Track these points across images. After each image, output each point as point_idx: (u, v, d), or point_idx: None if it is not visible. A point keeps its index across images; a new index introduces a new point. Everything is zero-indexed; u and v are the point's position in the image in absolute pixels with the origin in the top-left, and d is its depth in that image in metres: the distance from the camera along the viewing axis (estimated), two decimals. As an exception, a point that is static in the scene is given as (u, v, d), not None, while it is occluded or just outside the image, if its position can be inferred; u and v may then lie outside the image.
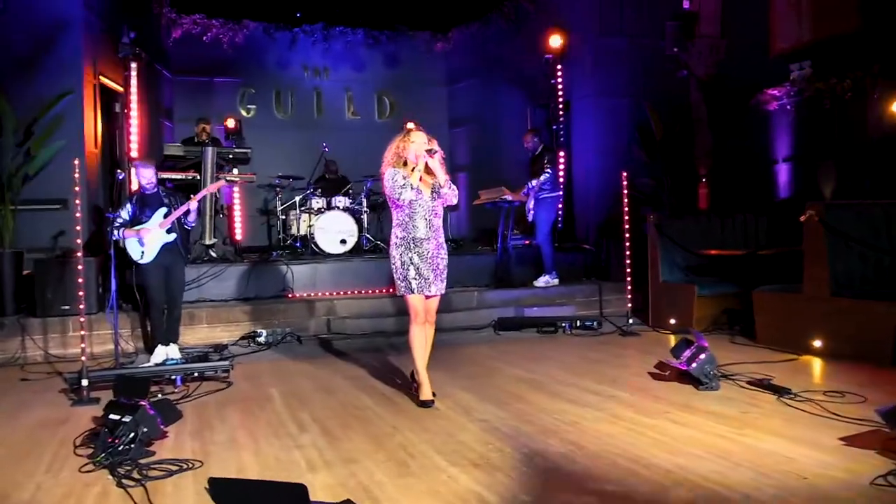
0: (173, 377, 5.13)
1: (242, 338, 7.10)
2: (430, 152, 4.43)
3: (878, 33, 7.62)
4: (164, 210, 6.06)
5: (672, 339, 6.78)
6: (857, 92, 7.87)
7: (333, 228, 9.50)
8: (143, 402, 3.59)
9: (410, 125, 5.05)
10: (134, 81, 7.39)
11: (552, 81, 9.73)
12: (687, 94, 9.98)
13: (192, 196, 6.03)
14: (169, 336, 6.26)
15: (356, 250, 9.58)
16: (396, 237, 4.51)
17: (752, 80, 9.22)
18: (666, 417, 4.01)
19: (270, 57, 11.29)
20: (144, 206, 6.02)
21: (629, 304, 7.18)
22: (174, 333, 6.32)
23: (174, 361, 5.58)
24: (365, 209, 10.10)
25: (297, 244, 9.77)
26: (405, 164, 4.48)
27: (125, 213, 5.95)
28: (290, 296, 7.97)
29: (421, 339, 4.52)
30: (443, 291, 4.58)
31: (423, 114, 11.65)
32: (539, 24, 10.29)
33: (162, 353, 6.18)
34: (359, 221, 9.73)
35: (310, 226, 9.78)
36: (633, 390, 4.68)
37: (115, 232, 5.92)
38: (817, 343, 5.63)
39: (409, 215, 4.47)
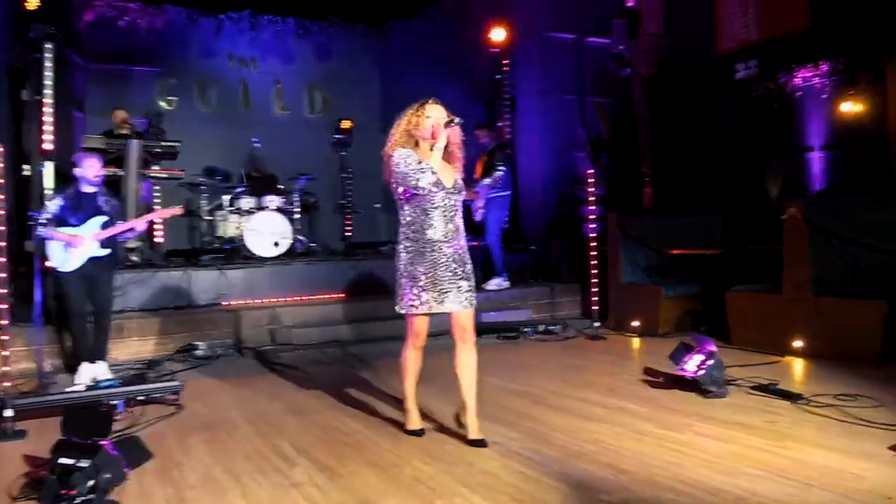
0: (114, 402, 4.41)
1: (178, 351, 6.36)
2: (449, 123, 3.57)
3: (827, 33, 7.69)
4: (101, 219, 5.29)
5: (637, 342, 6.58)
6: (807, 91, 7.94)
7: (266, 230, 8.81)
8: (103, 442, 2.94)
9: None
10: (49, 65, 6.48)
11: (497, 77, 9.41)
12: (630, 92, 9.90)
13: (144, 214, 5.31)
14: (96, 353, 5.49)
15: (289, 253, 8.94)
16: (406, 238, 3.62)
17: (696, 78, 9.21)
18: (692, 431, 3.70)
19: (193, 45, 10.40)
20: (78, 206, 5.23)
21: (595, 307, 6.90)
22: (103, 350, 5.55)
23: (110, 383, 4.84)
24: (297, 210, 9.46)
25: (227, 247, 9.02)
26: (417, 144, 3.61)
27: (54, 205, 5.15)
28: (225, 304, 7.26)
29: (414, 363, 3.79)
30: (473, 304, 3.66)
31: (356, 111, 11.09)
32: (483, 18, 9.94)
33: (88, 372, 5.41)
34: (292, 223, 9.09)
35: (239, 227, 9.06)
36: (638, 401, 4.35)
37: (41, 229, 5.11)
38: (798, 343, 5.50)
39: (425, 210, 3.55)
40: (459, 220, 3.69)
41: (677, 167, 9.47)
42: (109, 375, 5.43)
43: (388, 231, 10.75)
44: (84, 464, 2.85)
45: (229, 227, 9.11)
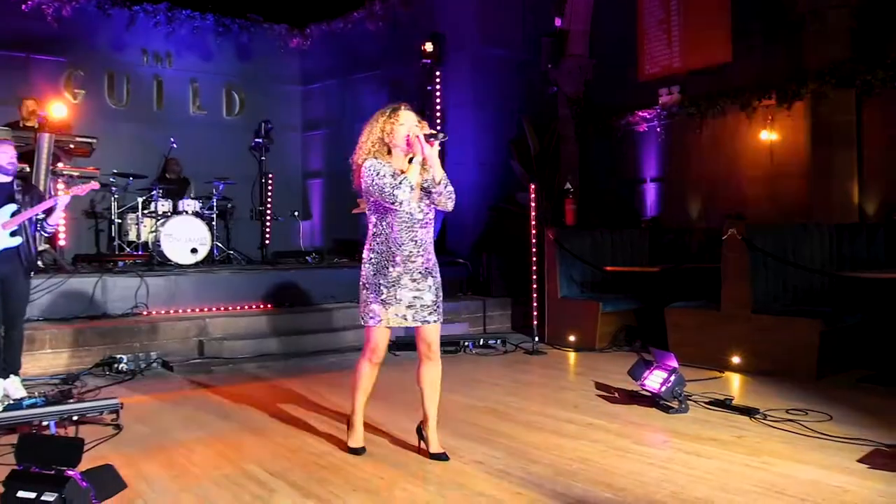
0: (45, 422, 3.98)
1: (97, 365, 5.87)
2: (431, 137, 3.41)
3: (748, 65, 8.12)
4: (12, 208, 4.82)
5: (575, 357, 6.65)
6: (728, 119, 8.34)
7: (183, 236, 8.36)
8: (70, 472, 2.61)
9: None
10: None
11: (429, 88, 9.34)
12: (556, 110, 10.08)
13: (59, 191, 4.83)
14: (9, 366, 4.97)
15: (207, 261, 8.50)
16: (372, 249, 3.51)
17: (619, 100, 9.50)
18: (670, 447, 3.73)
19: (103, 36, 9.68)
20: None
21: (535, 322, 6.93)
22: (15, 363, 5.02)
23: (33, 401, 4.35)
24: (214, 215, 9.01)
25: (139, 252, 8.46)
26: (389, 152, 3.48)
27: None
28: (145, 313, 6.79)
29: (368, 379, 3.65)
30: (439, 319, 3.60)
31: (275, 113, 10.73)
32: (412, 27, 9.87)
33: (-1, 388, 4.88)
34: (210, 229, 8.65)
35: (153, 231, 8.54)
36: (604, 416, 4.36)
37: None
38: (735, 360, 5.71)
39: (394, 222, 3.45)
40: (429, 233, 3.57)
41: (600, 185, 9.73)
42: (23, 391, 4.92)
43: (310, 240, 10.44)
44: (49, 497, 2.52)
45: (143, 230, 8.58)
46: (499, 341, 6.99)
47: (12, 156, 4.82)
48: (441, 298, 3.62)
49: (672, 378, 4.45)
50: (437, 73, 9.23)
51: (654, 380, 4.53)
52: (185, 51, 10.35)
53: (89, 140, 7.16)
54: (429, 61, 9.18)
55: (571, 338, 7.01)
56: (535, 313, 6.92)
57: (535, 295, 6.95)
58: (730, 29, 8.40)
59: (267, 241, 9.91)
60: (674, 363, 4.53)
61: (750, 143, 8.17)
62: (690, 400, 4.64)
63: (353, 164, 3.56)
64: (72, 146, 7.02)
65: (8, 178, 4.82)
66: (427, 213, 3.55)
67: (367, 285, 3.53)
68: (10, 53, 8.95)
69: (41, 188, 6.70)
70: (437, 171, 3.46)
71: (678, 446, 3.74)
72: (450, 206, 3.55)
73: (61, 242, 8.21)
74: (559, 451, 3.66)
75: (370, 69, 10.54)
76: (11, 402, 4.52)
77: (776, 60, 7.86)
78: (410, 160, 3.46)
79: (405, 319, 3.51)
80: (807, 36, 7.50)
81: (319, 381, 5.46)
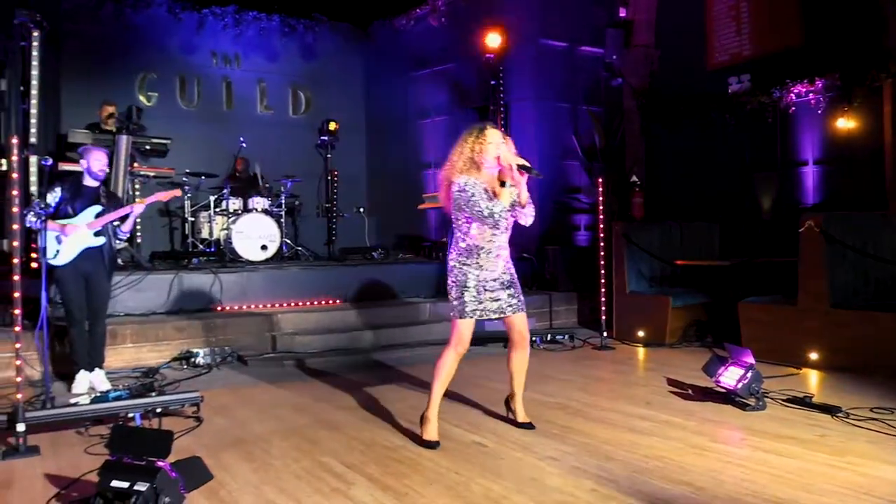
0: (131, 414, 4.14)
1: (175, 359, 6.08)
2: (523, 169, 3.68)
3: (821, 49, 7.83)
4: (97, 209, 5.04)
5: (644, 352, 6.54)
6: (801, 106, 8.06)
7: (254, 233, 8.58)
8: (161, 463, 2.71)
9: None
10: (35, 54, 6.13)
11: (492, 83, 9.31)
12: (621, 102, 9.92)
13: (136, 200, 5.05)
14: (93, 360, 5.20)
15: (276, 257, 8.70)
16: (461, 251, 3.84)
17: (686, 90, 9.28)
18: (749, 445, 3.64)
19: (175, 40, 10.00)
20: (77, 196, 4.99)
21: (603, 316, 6.83)
22: (99, 356, 5.26)
23: (118, 393, 4.55)
24: (282, 213, 9.21)
25: (212, 249, 8.71)
26: (479, 169, 3.75)
27: (52, 197, 4.89)
28: (219, 308, 6.99)
29: (451, 369, 3.86)
30: (523, 308, 3.95)
31: (340, 112, 10.89)
32: (473, 22, 9.83)
33: (85, 380, 5.14)
34: (279, 226, 8.84)
35: (224, 229, 8.78)
36: (678, 413, 4.29)
37: (34, 219, 4.79)
38: (813, 356, 5.54)
39: (484, 229, 3.77)
40: (507, 237, 3.91)
41: (667, 177, 9.53)
42: (108, 384, 5.15)
43: (374, 236, 10.55)
44: (141, 487, 2.62)
45: (215, 228, 8.83)
46: (566, 336, 6.93)
47: (104, 163, 5.05)
48: (521, 290, 4.00)
49: (749, 374, 4.34)
50: (500, 68, 9.18)
51: (730, 376, 4.43)
52: (253, 52, 10.58)
53: (164, 141, 7.42)
54: (492, 56, 9.13)
55: (640, 333, 6.91)
56: (603, 308, 6.82)
57: (603, 290, 6.86)
58: (799, 10, 8.12)
59: (333, 238, 10.08)
60: (750, 359, 4.42)
61: (825, 130, 7.88)
62: (768, 397, 4.51)
63: (443, 180, 3.90)
64: (148, 147, 7.28)
65: (96, 183, 5.05)
66: (508, 222, 3.85)
67: (456, 283, 3.86)
68: (89, 57, 9.30)
69: (119, 189, 6.99)
70: (524, 196, 3.80)
71: (757, 444, 3.65)
72: (530, 221, 3.91)
73: (138, 240, 8.55)
74: (634, 449, 3.62)
75: (433, 65, 10.57)
76: (97, 394, 4.74)
77: (852, 42, 7.54)
78: (502, 183, 3.78)
79: (497, 312, 3.88)
80: (888, 15, 7.18)
81: (389, 376, 5.52)
